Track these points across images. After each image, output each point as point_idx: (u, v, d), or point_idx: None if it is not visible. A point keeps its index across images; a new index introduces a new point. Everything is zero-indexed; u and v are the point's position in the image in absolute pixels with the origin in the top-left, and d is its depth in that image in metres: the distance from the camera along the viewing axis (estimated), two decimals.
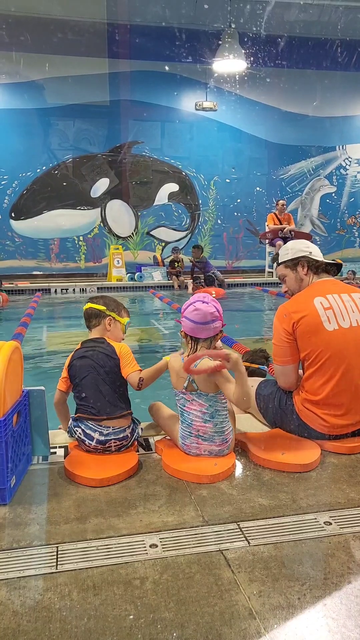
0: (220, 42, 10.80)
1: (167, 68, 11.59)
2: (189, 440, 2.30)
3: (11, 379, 2.06)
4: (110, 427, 2.32)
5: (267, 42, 11.75)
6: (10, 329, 6.20)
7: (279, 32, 11.73)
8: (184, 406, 2.31)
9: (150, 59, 11.63)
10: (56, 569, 1.61)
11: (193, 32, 11.43)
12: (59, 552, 1.68)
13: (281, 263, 2.65)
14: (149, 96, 11.96)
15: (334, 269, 2.66)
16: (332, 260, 2.69)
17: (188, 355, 2.25)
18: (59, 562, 1.63)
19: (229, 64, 10.98)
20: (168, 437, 2.53)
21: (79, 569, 1.60)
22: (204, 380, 2.25)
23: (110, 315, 2.53)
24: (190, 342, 2.31)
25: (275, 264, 2.74)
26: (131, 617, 1.41)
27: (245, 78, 11.95)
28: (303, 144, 13.04)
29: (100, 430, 2.31)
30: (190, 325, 2.29)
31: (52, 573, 1.59)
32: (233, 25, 10.58)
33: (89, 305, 2.56)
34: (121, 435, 2.34)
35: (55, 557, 1.66)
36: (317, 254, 2.61)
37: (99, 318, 2.53)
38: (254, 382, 2.77)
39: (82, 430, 2.33)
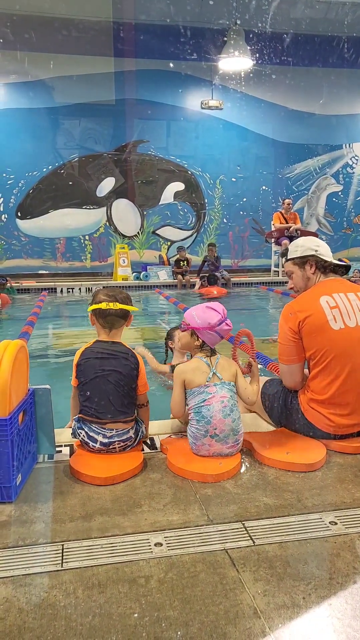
0: (225, 40, 10.77)
1: (171, 65, 11.56)
2: (201, 441, 2.28)
3: (17, 378, 2.07)
4: (113, 430, 2.32)
5: (273, 40, 11.71)
6: (17, 327, 6.22)
7: (285, 29, 11.69)
8: (204, 401, 2.29)
9: (155, 57, 11.62)
10: (61, 566, 1.61)
11: (198, 30, 11.41)
12: (65, 550, 1.69)
13: (290, 259, 2.64)
14: (155, 95, 11.96)
15: (342, 269, 2.64)
16: (340, 260, 2.67)
17: (210, 355, 2.40)
18: (64, 560, 1.64)
19: (235, 61, 10.96)
20: (174, 436, 2.54)
21: (84, 567, 1.61)
22: (227, 369, 2.38)
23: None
24: (208, 350, 2.40)
25: (284, 259, 2.74)
26: (136, 615, 1.41)
27: (251, 75, 11.92)
28: (309, 143, 12.99)
29: (103, 432, 2.31)
30: (217, 339, 2.40)
31: (58, 571, 1.60)
32: (238, 22, 10.54)
33: (121, 306, 2.37)
34: (125, 437, 2.34)
35: (60, 555, 1.67)
36: (326, 253, 2.59)
37: (125, 319, 2.43)
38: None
39: (86, 432, 2.32)
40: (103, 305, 2.36)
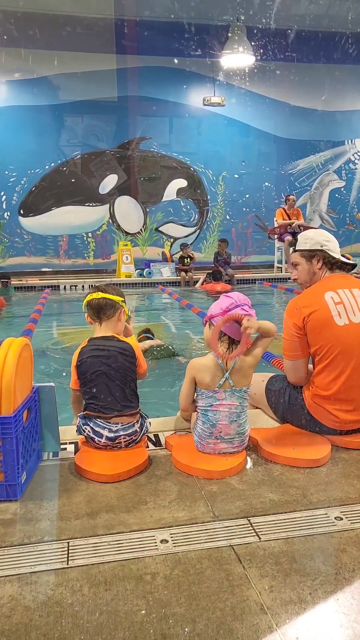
0: (228, 36, 10.72)
1: (176, 61, 11.49)
2: (205, 440, 2.28)
3: (21, 376, 2.07)
4: (119, 424, 2.32)
5: (275, 36, 11.65)
6: (20, 325, 6.23)
7: (287, 25, 11.62)
8: (211, 406, 2.26)
9: (157, 54, 11.58)
10: (67, 564, 1.61)
11: (200, 27, 11.36)
12: (70, 548, 1.69)
13: (298, 250, 2.62)
14: (157, 92, 11.93)
15: (348, 266, 2.63)
16: (346, 257, 2.65)
17: (226, 352, 2.25)
18: (70, 558, 1.64)
19: (237, 58, 10.90)
20: (178, 433, 2.53)
21: (90, 564, 1.61)
22: (240, 375, 2.26)
23: (123, 306, 2.45)
24: (227, 341, 2.28)
25: (292, 250, 2.71)
26: (143, 612, 1.41)
27: (255, 72, 11.87)
28: (312, 139, 12.94)
29: (109, 427, 2.31)
30: (233, 327, 2.24)
31: (64, 568, 1.60)
32: (243, 17, 10.48)
33: (103, 295, 2.42)
34: (130, 431, 2.34)
35: (66, 552, 1.67)
36: (334, 248, 2.57)
37: (113, 309, 2.42)
38: (263, 377, 2.76)
39: (91, 427, 2.32)
40: (88, 297, 2.44)
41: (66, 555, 1.65)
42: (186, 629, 1.35)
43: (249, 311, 2.25)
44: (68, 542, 1.72)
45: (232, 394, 2.26)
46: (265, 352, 4.24)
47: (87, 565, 1.61)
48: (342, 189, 13.35)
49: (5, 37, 10.66)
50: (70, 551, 1.67)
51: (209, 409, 2.26)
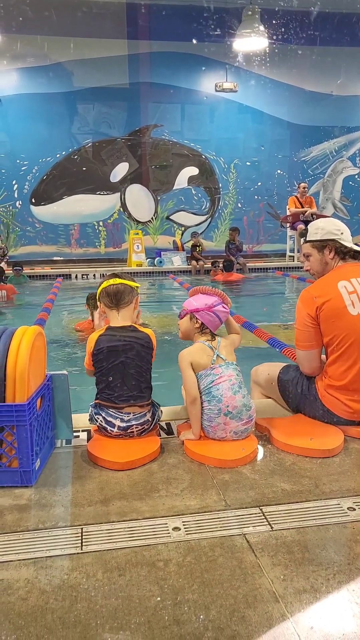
0: (243, 18, 10.54)
1: (195, 41, 11.28)
2: (215, 421, 2.28)
3: (35, 364, 2.08)
4: (131, 413, 2.32)
5: (288, 19, 11.45)
6: (33, 313, 6.26)
7: (302, 7, 11.41)
8: (212, 382, 2.30)
9: (169, 39, 11.45)
10: (81, 549, 1.63)
11: (212, 10, 11.20)
12: (84, 534, 1.71)
13: (309, 241, 2.59)
14: (169, 78, 11.81)
15: None
16: (359, 246, 2.61)
17: (211, 340, 2.43)
18: (83, 543, 1.66)
19: (250, 42, 10.74)
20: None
21: (104, 550, 1.63)
22: (228, 351, 2.43)
23: (138, 293, 2.47)
24: (209, 332, 2.46)
25: (302, 240, 2.68)
26: (157, 598, 1.42)
27: (268, 56, 11.69)
28: (326, 125, 12.76)
29: (121, 417, 2.31)
30: (216, 322, 2.45)
31: (78, 553, 1.62)
32: None
33: (121, 281, 2.40)
34: (142, 420, 2.34)
35: (80, 538, 1.69)
36: (347, 238, 2.54)
37: (131, 295, 2.41)
38: (276, 367, 2.76)
39: (103, 417, 2.32)
40: (105, 284, 2.42)
41: (80, 541, 1.67)
42: (200, 616, 1.36)
43: (227, 309, 2.47)
44: (82, 528, 1.74)
45: (227, 366, 2.36)
46: (275, 341, 4.24)
47: (100, 551, 1.63)
48: (356, 177, 13.17)
49: (21, 18, 10.52)
50: (84, 537, 1.69)
51: (211, 386, 2.31)
